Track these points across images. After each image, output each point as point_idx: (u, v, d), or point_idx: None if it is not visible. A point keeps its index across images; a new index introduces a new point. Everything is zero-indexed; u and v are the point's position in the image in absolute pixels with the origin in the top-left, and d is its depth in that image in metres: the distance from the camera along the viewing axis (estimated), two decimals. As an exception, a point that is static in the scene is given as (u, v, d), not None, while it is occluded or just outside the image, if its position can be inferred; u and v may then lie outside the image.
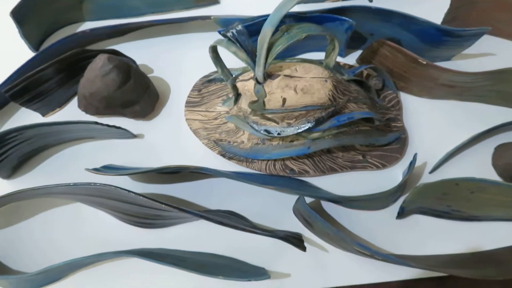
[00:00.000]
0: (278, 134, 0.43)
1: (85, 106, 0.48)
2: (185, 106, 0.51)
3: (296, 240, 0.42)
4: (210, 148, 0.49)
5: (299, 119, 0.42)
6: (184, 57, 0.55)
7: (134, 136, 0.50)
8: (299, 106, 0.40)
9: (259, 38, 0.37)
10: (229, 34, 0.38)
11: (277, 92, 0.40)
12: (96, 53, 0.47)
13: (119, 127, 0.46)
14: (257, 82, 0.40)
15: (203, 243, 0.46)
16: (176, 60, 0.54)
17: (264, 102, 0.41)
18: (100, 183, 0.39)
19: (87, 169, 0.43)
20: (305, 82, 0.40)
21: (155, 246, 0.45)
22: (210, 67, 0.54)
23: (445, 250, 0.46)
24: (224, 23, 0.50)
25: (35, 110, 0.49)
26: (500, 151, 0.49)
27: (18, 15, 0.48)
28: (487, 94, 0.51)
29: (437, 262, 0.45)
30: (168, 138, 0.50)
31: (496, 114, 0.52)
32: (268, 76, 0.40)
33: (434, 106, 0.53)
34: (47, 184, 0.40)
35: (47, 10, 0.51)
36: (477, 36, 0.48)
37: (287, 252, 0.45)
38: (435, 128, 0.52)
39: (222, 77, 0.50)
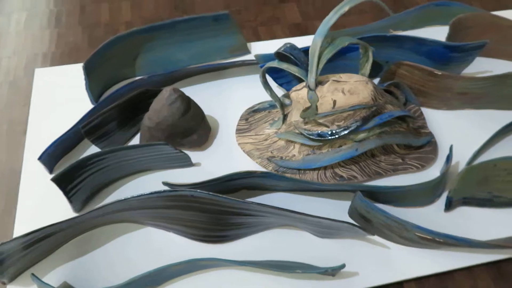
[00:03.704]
0: (330, 135, 0.48)
1: (147, 139, 0.53)
2: (236, 133, 0.56)
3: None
4: (263, 166, 0.53)
5: (347, 120, 0.48)
6: (227, 98, 0.62)
7: (192, 164, 0.54)
8: (347, 106, 0.47)
9: (310, 49, 0.44)
10: (282, 49, 0.45)
11: (327, 96, 0.46)
12: (158, 90, 0.54)
13: (182, 151, 0.51)
14: (310, 89, 0.46)
15: (269, 254, 0.48)
16: (221, 101, 0.61)
17: (316, 107, 0.47)
18: (180, 189, 0.43)
19: (164, 182, 0.47)
20: (351, 85, 0.46)
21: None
22: (250, 104, 0.61)
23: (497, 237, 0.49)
24: (264, 58, 0.58)
25: (101, 148, 0.54)
26: (522, 142, 0.55)
27: (88, 68, 0.56)
28: (498, 100, 0.59)
29: (497, 241, 0.47)
30: (223, 164, 0.55)
31: (510, 117, 0.59)
32: (319, 83, 0.47)
33: (453, 116, 0.60)
34: (127, 197, 0.44)
35: (108, 66, 0.59)
36: (479, 48, 0.57)
37: (352, 255, 0.47)
38: (459, 133, 0.58)
39: (266, 106, 0.57)
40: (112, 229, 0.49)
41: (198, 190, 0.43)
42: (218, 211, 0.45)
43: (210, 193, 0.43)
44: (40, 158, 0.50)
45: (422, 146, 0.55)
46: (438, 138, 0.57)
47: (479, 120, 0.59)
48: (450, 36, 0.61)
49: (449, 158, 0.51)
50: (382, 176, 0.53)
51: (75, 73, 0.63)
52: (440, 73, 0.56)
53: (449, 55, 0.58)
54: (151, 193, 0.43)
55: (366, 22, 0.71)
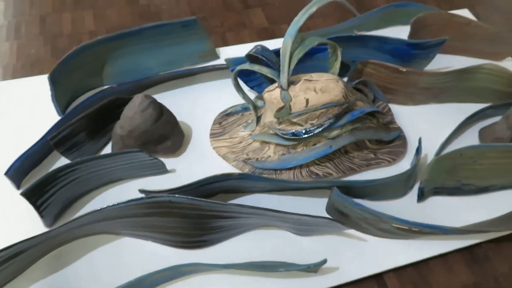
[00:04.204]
0: (305, 133, 0.48)
1: (120, 148, 0.52)
2: (210, 138, 0.56)
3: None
4: (239, 168, 0.53)
5: (320, 117, 0.49)
6: (199, 103, 0.61)
7: (167, 171, 0.53)
8: (320, 104, 0.47)
9: (281, 49, 0.45)
10: (253, 51, 0.45)
11: (300, 95, 0.47)
12: (128, 98, 0.53)
13: (157, 158, 0.50)
14: (282, 89, 0.47)
15: (251, 255, 0.48)
16: (193, 106, 0.61)
17: (290, 106, 0.47)
18: (158, 195, 0.42)
19: (141, 190, 0.46)
20: (322, 84, 0.47)
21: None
22: (222, 108, 0.61)
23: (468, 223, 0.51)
24: (234, 62, 0.58)
25: (71, 160, 0.52)
26: (484, 131, 0.58)
27: (53, 79, 0.54)
28: (459, 93, 0.61)
29: (468, 227, 0.49)
30: (198, 169, 0.54)
31: (471, 109, 0.61)
32: (291, 82, 0.47)
33: (419, 111, 0.62)
34: (102, 207, 0.42)
35: (74, 76, 0.57)
36: (439, 45, 0.59)
37: (333, 250, 0.48)
38: (425, 126, 0.60)
39: (239, 109, 0.57)
40: (88, 242, 0.47)
41: (176, 195, 0.42)
42: (197, 216, 0.45)
43: (188, 197, 0.42)
44: (6, 173, 0.48)
45: (393, 141, 0.57)
46: (407, 132, 0.59)
47: (444, 113, 0.62)
48: (411, 35, 0.64)
49: (418, 150, 0.53)
50: (356, 172, 0.54)
51: (38, 85, 0.61)
52: (404, 69, 0.58)
53: (412, 52, 0.60)
54: (129, 201, 0.42)
55: (330, 25, 0.73)
